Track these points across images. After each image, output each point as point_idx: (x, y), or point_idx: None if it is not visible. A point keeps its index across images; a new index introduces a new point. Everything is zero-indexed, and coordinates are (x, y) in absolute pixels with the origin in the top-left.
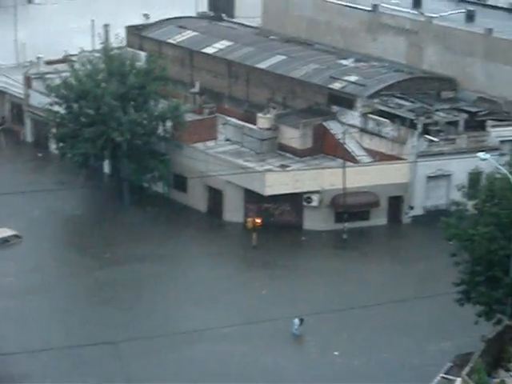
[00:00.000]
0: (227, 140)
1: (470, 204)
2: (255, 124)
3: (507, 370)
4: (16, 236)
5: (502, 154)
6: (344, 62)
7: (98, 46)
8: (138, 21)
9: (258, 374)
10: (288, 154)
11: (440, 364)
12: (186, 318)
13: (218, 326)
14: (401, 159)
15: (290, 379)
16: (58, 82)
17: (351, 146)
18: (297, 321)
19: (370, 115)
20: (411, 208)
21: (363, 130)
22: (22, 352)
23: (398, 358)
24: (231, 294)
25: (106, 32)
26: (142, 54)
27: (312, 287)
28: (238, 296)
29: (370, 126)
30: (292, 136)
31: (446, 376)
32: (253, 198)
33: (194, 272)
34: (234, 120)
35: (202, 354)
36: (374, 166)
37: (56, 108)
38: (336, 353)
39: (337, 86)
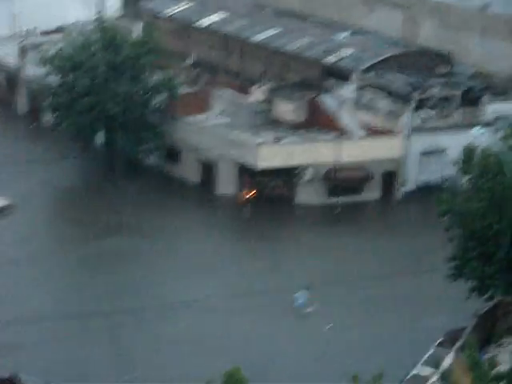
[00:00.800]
0: (221, 113)
1: (463, 179)
2: (249, 97)
3: (499, 346)
4: (9, 205)
5: (497, 130)
6: (339, 35)
7: (94, 17)
8: None
9: (253, 346)
10: (282, 128)
11: (433, 339)
12: (181, 289)
13: (214, 297)
14: (395, 134)
15: (283, 352)
16: (52, 52)
17: (345, 120)
18: (301, 294)
19: (365, 89)
20: (404, 183)
21: (357, 104)
22: (13, 321)
23: (391, 332)
24: (225, 266)
25: (102, 2)
26: (138, 25)
27: (306, 260)
28: (232, 268)
29: (365, 100)
30: (286, 109)
31: (437, 350)
32: (246, 172)
33: (187, 244)
34: (227, 93)
35: (198, 325)
36: (368, 140)
37: (50, 79)
38: (328, 326)
39: (331, 59)
